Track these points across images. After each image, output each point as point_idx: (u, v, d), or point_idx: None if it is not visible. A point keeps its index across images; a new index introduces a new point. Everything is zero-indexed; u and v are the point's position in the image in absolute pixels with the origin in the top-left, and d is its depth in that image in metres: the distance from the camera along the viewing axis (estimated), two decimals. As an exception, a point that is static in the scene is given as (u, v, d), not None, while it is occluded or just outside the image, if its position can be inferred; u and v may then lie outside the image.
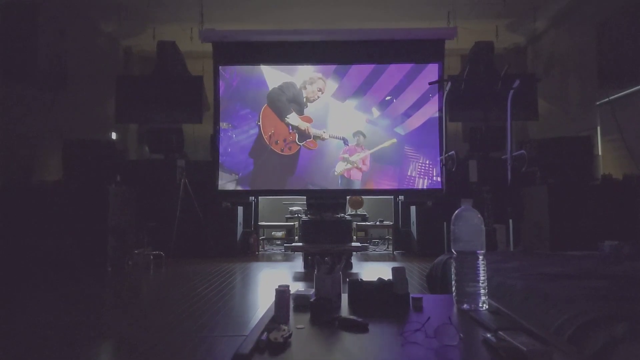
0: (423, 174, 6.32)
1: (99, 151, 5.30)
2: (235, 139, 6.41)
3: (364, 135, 6.34)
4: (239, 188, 6.34)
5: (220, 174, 6.33)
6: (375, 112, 6.38)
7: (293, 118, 6.37)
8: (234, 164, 6.36)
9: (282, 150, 6.35)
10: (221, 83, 6.46)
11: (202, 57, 6.91)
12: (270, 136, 6.36)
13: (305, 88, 6.41)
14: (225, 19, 6.61)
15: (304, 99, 6.42)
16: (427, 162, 6.29)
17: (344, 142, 6.33)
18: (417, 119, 6.36)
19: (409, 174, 6.33)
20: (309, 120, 6.38)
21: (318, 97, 6.41)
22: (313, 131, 6.34)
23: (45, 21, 5.24)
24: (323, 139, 6.34)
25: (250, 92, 6.48)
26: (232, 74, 6.50)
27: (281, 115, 6.39)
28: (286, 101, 6.40)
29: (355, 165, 6.30)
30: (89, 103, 6.35)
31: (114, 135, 7.05)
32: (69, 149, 5.22)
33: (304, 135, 6.36)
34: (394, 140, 6.33)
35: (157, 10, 6.44)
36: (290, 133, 6.36)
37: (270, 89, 6.44)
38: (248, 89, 6.49)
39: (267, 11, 6.49)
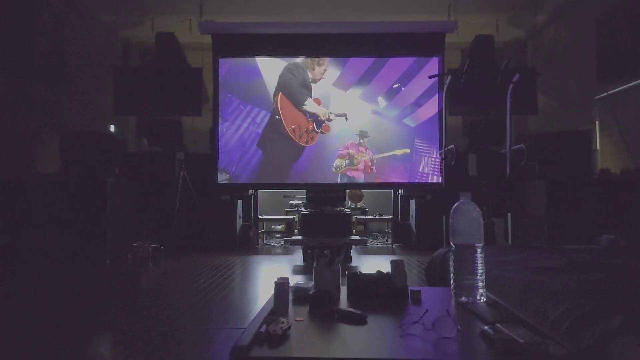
0: (435, 169, 6.16)
1: (97, 143, 5.28)
2: (229, 133, 6.35)
3: (368, 135, 6.28)
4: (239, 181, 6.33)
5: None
6: (382, 102, 6.32)
7: (310, 105, 6.27)
8: (227, 161, 6.32)
9: (306, 142, 6.24)
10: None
11: (201, 49, 6.87)
12: (294, 129, 6.24)
13: (313, 69, 6.32)
14: (225, 10, 6.56)
15: (310, 80, 6.32)
16: (439, 156, 6.22)
17: (346, 119, 6.27)
18: (427, 111, 6.30)
19: (420, 170, 6.23)
20: (319, 102, 6.28)
21: (322, 77, 6.33)
22: (332, 116, 6.24)
23: (42, 12, 5.20)
24: (330, 120, 6.28)
25: (241, 83, 6.42)
26: (224, 64, 6.42)
27: (298, 103, 6.29)
28: (299, 86, 6.30)
29: (358, 167, 6.25)
30: (87, 95, 6.31)
31: (112, 128, 7.03)
32: (67, 141, 5.19)
33: (320, 121, 6.27)
34: (407, 150, 6.23)
35: (156, 1, 6.39)
36: (308, 121, 6.28)
37: (264, 77, 6.36)
38: (239, 79, 6.42)
39: (267, 3, 6.45)
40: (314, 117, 6.27)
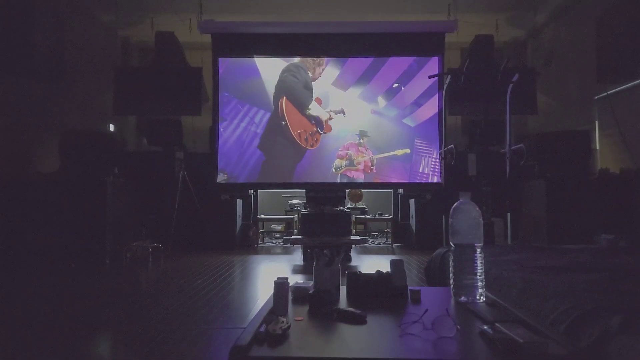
0: (435, 169, 6.14)
1: (96, 143, 5.28)
2: (227, 133, 6.34)
3: (367, 135, 6.27)
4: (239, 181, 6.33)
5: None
6: (381, 101, 6.31)
7: (314, 108, 6.25)
8: (225, 161, 6.32)
9: (312, 146, 6.23)
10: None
11: (201, 49, 6.87)
12: (299, 134, 6.23)
13: (314, 69, 6.30)
14: (224, 10, 6.56)
15: (311, 80, 6.32)
16: (438, 156, 6.22)
17: (343, 114, 6.25)
18: (427, 111, 6.29)
19: (420, 170, 6.22)
20: (320, 101, 6.27)
21: (320, 76, 6.33)
22: (332, 114, 6.23)
23: (42, 11, 5.19)
24: (331, 119, 6.27)
25: (239, 82, 6.40)
26: (221, 63, 6.42)
27: (302, 107, 6.28)
28: (302, 88, 6.27)
29: (358, 168, 6.24)
30: (87, 94, 6.31)
31: (111, 127, 7.02)
32: (67, 140, 5.19)
33: (321, 123, 6.26)
34: (408, 150, 6.23)
35: (156, 1, 6.39)
36: (312, 124, 6.27)
37: (263, 76, 6.35)
38: (237, 78, 6.42)
39: (267, 3, 6.45)
40: (317, 119, 6.28)
